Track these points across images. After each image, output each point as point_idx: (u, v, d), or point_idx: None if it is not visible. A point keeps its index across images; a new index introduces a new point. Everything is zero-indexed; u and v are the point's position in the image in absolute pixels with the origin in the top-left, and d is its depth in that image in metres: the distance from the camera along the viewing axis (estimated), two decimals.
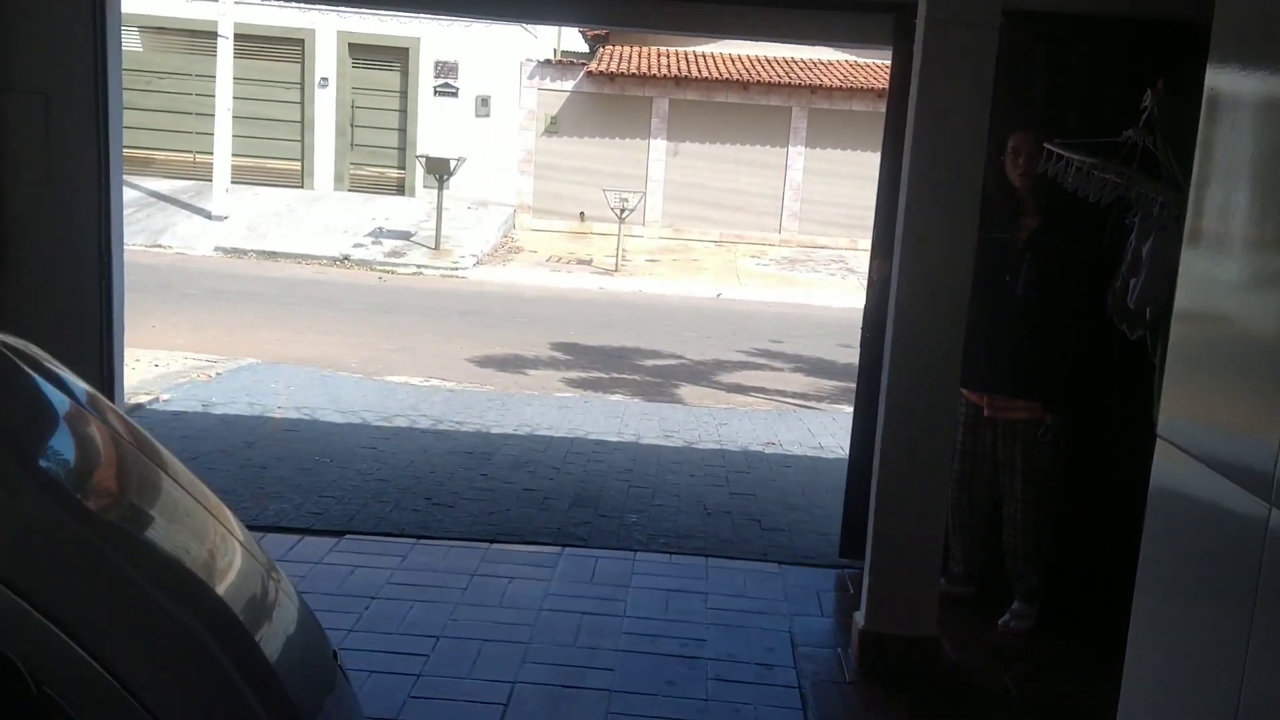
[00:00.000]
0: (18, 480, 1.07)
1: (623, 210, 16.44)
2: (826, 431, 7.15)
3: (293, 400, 6.80)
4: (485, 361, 9.45)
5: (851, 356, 11.30)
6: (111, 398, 4.12)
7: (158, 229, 15.90)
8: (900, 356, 3.42)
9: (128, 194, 17.39)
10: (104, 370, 4.14)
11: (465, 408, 7.10)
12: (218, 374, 7.38)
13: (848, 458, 4.44)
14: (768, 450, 6.42)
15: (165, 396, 6.50)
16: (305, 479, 5.03)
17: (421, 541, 4.29)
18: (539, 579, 4.00)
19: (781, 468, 6.01)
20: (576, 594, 3.89)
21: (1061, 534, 3.97)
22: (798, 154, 18.90)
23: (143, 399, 6.34)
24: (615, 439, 6.43)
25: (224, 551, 1.40)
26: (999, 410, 3.86)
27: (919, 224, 3.35)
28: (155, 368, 7.34)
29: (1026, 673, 3.55)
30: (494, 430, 6.42)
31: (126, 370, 7.12)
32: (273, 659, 1.38)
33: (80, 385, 1.31)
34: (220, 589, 1.36)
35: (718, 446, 6.43)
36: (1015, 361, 3.80)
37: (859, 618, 3.56)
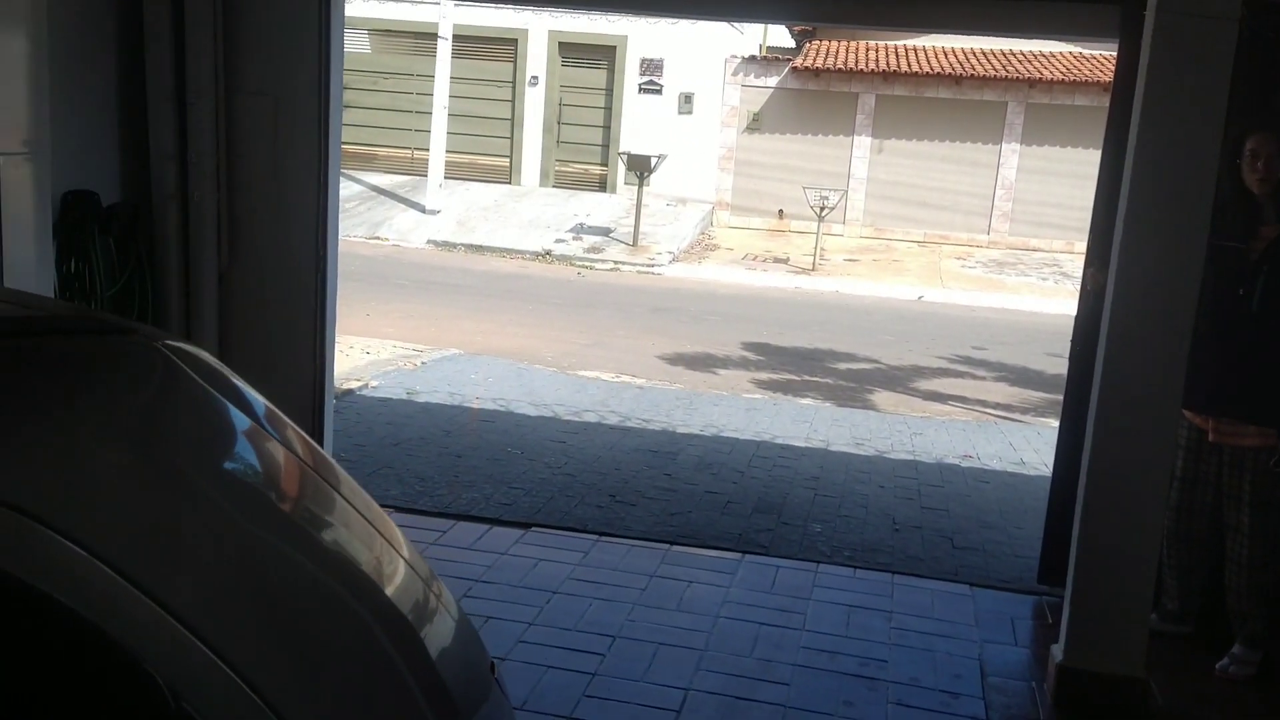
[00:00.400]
0: (194, 485, 1.11)
1: (823, 208, 16.16)
2: (1029, 446, 6.77)
3: (490, 391, 7.03)
4: (676, 359, 9.49)
5: (1061, 367, 10.67)
6: (323, 384, 4.36)
7: (377, 222, 16.83)
8: (1113, 371, 3.17)
9: (350, 188, 18.53)
10: (316, 358, 4.37)
11: (653, 405, 7.14)
12: (423, 363, 7.72)
13: (1051, 475, 4.16)
14: (964, 464, 6.14)
15: (374, 383, 6.85)
16: (497, 469, 5.18)
17: (603, 538, 4.33)
18: (718, 584, 3.96)
19: (978, 483, 5.73)
20: (755, 603, 3.82)
21: None
22: (1012, 151, 18.04)
23: (354, 385, 6.70)
24: (803, 444, 6.31)
25: (389, 562, 1.42)
26: (1226, 435, 3.53)
27: (1141, 229, 3.09)
28: (367, 355, 7.75)
29: None
30: (680, 429, 6.43)
31: (340, 357, 7.56)
32: (436, 664, 1.40)
33: (259, 400, 1.36)
34: (389, 592, 1.39)
35: (910, 457, 6.20)
36: (1246, 383, 3.46)
37: (1057, 651, 3.33)
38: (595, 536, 4.35)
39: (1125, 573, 3.24)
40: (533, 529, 4.38)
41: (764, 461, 5.80)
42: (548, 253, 15.85)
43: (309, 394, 4.37)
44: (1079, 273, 16.66)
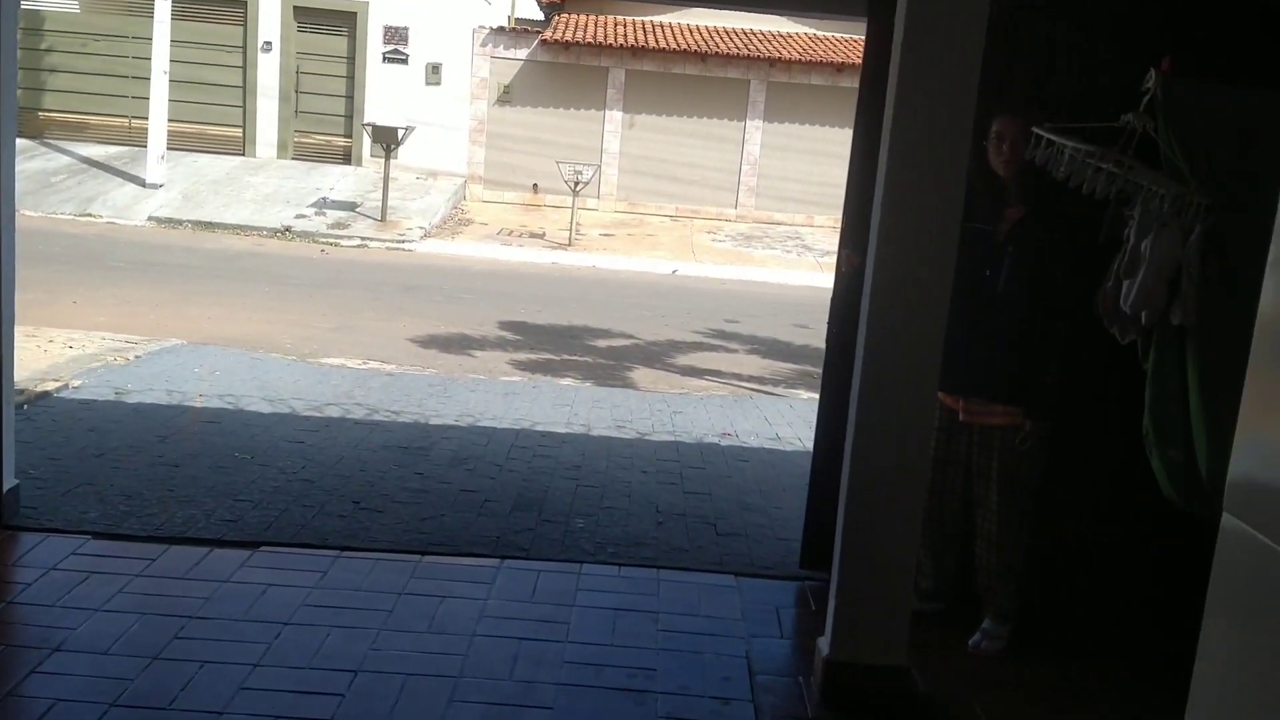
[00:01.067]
0: None
1: (577, 183, 16.00)
2: (783, 420, 6.85)
3: (216, 387, 6.35)
4: (429, 341, 9.03)
5: (808, 337, 11.09)
6: None
7: (88, 197, 15.18)
8: (874, 356, 3.09)
9: (56, 160, 16.66)
10: None
11: (404, 394, 6.69)
12: (137, 357, 6.90)
13: (811, 457, 4.11)
14: (724, 442, 6.10)
15: (75, 383, 6.02)
16: (221, 479, 4.61)
17: (345, 554, 3.91)
18: (474, 597, 3.64)
19: (738, 462, 5.69)
20: (515, 615, 3.53)
21: (1037, 549, 3.68)
22: (755, 128, 18.55)
23: (50, 386, 5.86)
24: (564, 430, 6.07)
25: None
26: (975, 415, 3.56)
27: (898, 213, 3.01)
28: (69, 350, 6.84)
29: (1000, 700, 3.26)
30: (433, 421, 6.03)
31: (34, 353, 6.64)
32: None
33: None
34: None
35: (672, 438, 6.09)
36: (994, 364, 3.49)
37: (823, 645, 3.24)
38: (335, 552, 3.92)
39: (888, 561, 3.18)
40: (261, 548, 3.90)
41: (523, 452, 5.51)
42: (287, 229, 14.84)
43: None
44: (819, 245, 17.40)
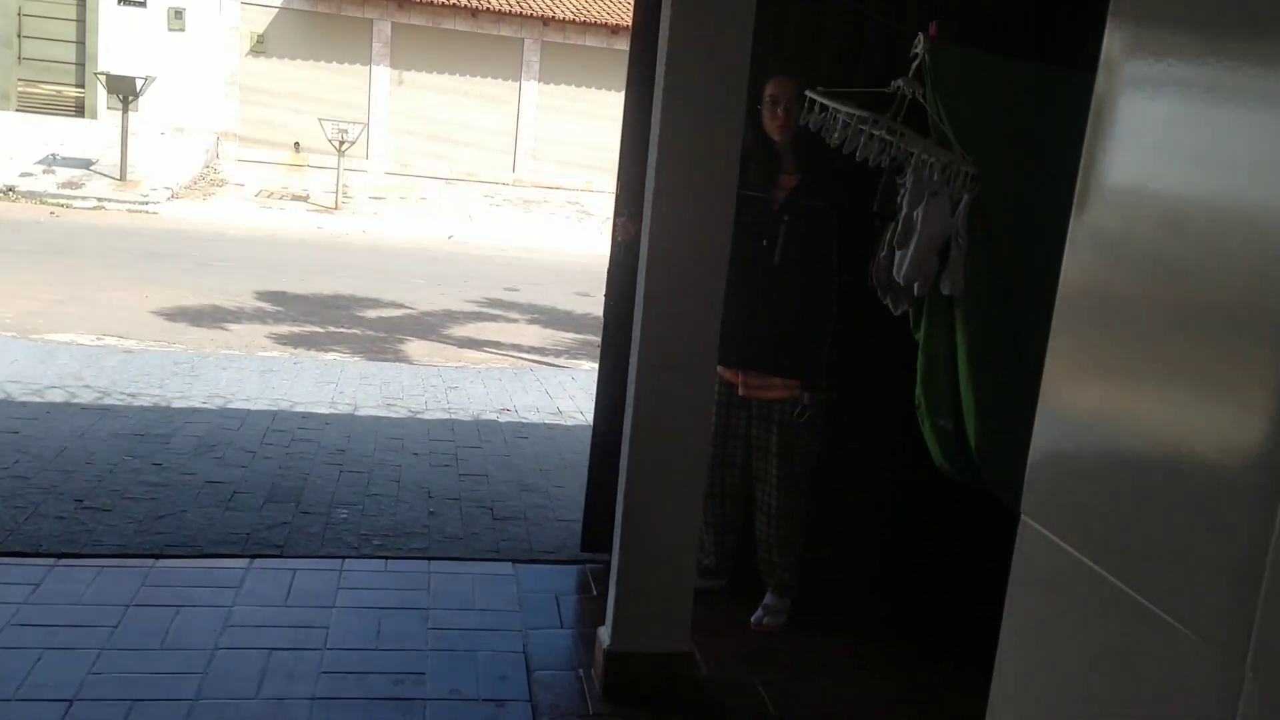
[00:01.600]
0: None
1: (342, 142, 15.17)
2: (565, 393, 6.67)
3: None
4: (176, 314, 8.26)
5: (590, 305, 10.95)
6: None
7: None
8: (651, 329, 2.93)
9: None
10: None
11: (143, 374, 6.04)
12: None
13: (591, 435, 3.93)
14: (502, 418, 5.85)
15: None
16: None
17: (63, 562, 3.41)
18: (217, 604, 3.25)
19: (517, 439, 5.46)
20: (265, 622, 3.18)
21: (815, 522, 3.67)
22: (531, 89, 18.20)
23: None
24: (327, 410, 5.64)
25: None
26: (754, 389, 3.48)
27: (671, 180, 2.84)
28: None
29: (781, 679, 3.21)
30: (176, 404, 5.46)
31: None
32: None
33: None
34: None
35: (446, 415, 5.79)
36: (771, 337, 3.41)
37: (604, 635, 3.08)
38: (51, 561, 3.41)
39: (670, 542, 3.05)
40: None
41: (280, 436, 5.06)
42: (11, 189, 13.30)
43: None
44: (600, 211, 17.39)
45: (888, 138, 3.05)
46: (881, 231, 3.22)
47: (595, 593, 3.66)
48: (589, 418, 6.06)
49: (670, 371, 2.94)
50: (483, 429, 5.60)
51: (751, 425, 3.53)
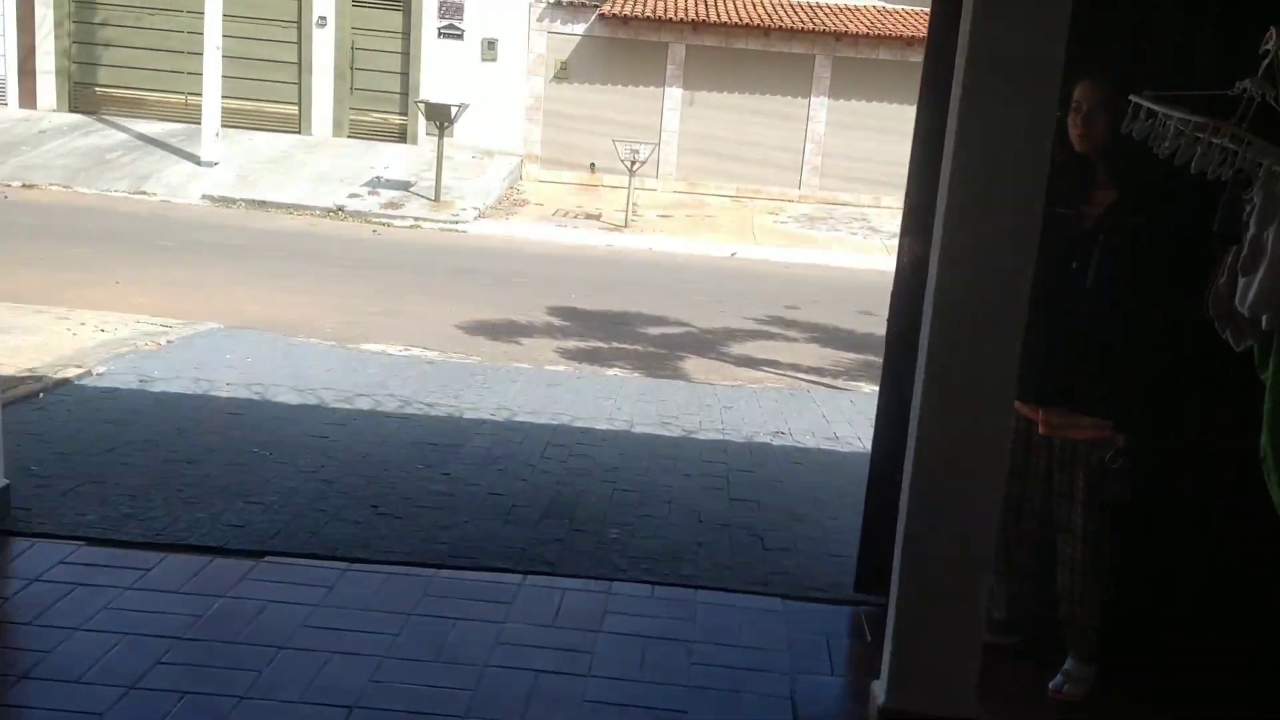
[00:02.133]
0: None
1: (634, 162, 15.60)
2: (842, 417, 6.41)
3: (246, 375, 6.10)
4: (475, 328, 8.73)
5: (872, 325, 10.58)
6: None
7: (142, 175, 15.17)
8: (940, 359, 2.68)
9: (113, 136, 16.70)
10: None
11: (441, 385, 6.38)
12: (168, 342, 6.69)
13: (869, 467, 3.68)
14: (776, 441, 5.69)
15: (100, 370, 5.80)
16: (235, 478, 4.33)
17: (355, 567, 3.59)
18: (490, 620, 3.30)
19: (791, 464, 5.29)
20: (534, 642, 3.19)
21: (1125, 580, 3.24)
22: (820, 105, 17.95)
23: (72, 373, 5.64)
24: (605, 426, 5.71)
25: None
26: (1057, 428, 3.11)
27: (969, 196, 2.58)
28: (99, 334, 6.64)
29: None
30: (467, 414, 5.71)
31: (65, 337, 6.46)
32: None
33: None
34: None
35: (720, 436, 5.70)
36: (1080, 370, 3.04)
37: (878, 690, 2.85)
38: (345, 564, 3.61)
39: (956, 591, 2.78)
40: (266, 559, 3.60)
41: (559, 451, 5.16)
42: (340, 209, 14.68)
43: None
44: (886, 227, 16.75)
45: (1231, 146, 2.63)
46: (1221, 255, 2.78)
47: (869, 639, 3.41)
48: (867, 445, 5.79)
49: (961, 404, 2.68)
50: (756, 452, 5.46)
51: (1053, 467, 3.17)
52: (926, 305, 2.73)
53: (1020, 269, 2.60)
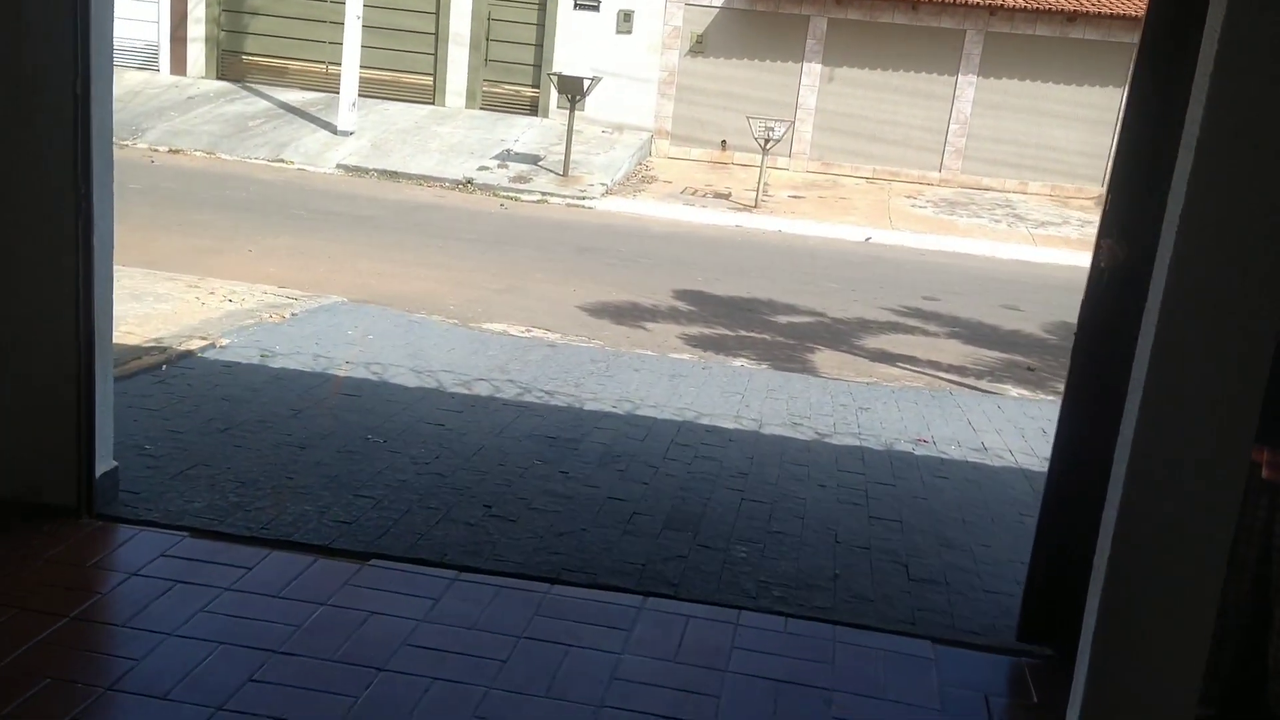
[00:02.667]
0: None
1: (767, 140, 15.08)
2: (990, 424, 5.90)
3: (366, 353, 5.95)
4: (599, 310, 8.46)
5: (1018, 321, 9.91)
6: (89, 355, 3.26)
7: (282, 143, 15.40)
8: (1160, 386, 2.24)
9: (256, 104, 17.02)
10: (82, 318, 3.27)
11: (562, 371, 6.12)
12: (293, 315, 6.60)
13: (1043, 496, 3.23)
14: (918, 450, 5.24)
15: (223, 341, 5.73)
16: (346, 467, 4.14)
17: (464, 576, 3.33)
18: (607, 649, 2.99)
19: (935, 478, 4.84)
20: (653, 679, 2.87)
21: None
22: (968, 83, 17.06)
23: (196, 344, 5.57)
24: (732, 425, 5.35)
25: None
26: None
27: (1212, 199, 2.12)
28: (227, 304, 6.60)
29: None
30: (589, 405, 5.43)
31: (194, 306, 6.42)
32: None
33: None
34: None
35: (856, 442, 5.28)
36: None
37: None
38: (454, 573, 3.35)
39: (1164, 661, 2.35)
40: (372, 561, 3.37)
41: (684, 451, 4.83)
42: (469, 181, 14.62)
43: (70, 366, 3.29)
44: (1033, 215, 15.75)
45: None
46: None
47: (1036, 699, 2.98)
48: (1020, 459, 5.30)
49: (1185, 439, 2.24)
50: (896, 462, 5.02)
51: (1275, 518, 2.68)
52: (1148, 320, 2.29)
53: (1269, 283, 2.14)
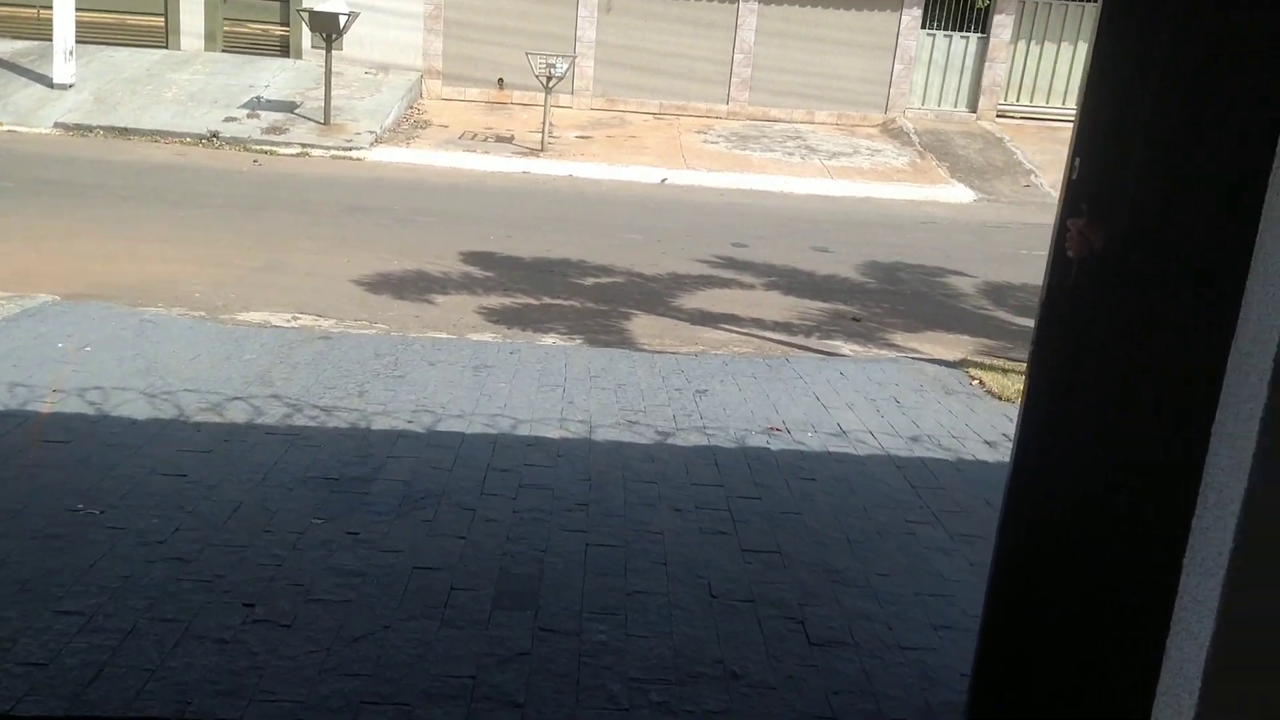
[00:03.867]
0: None
1: (549, 78, 14.01)
2: (839, 398, 5.27)
3: (82, 375, 4.66)
4: (379, 283, 7.33)
5: (832, 264, 9.43)
6: None
7: None
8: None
9: None
10: None
11: (341, 374, 5.03)
12: None
13: (997, 539, 2.51)
14: (773, 445, 4.53)
15: None
16: (42, 564, 2.98)
17: None
18: None
19: (801, 480, 4.13)
20: None
21: None
22: (750, 10, 16.52)
23: None
24: (558, 433, 4.46)
25: None
26: None
27: None
28: None
29: None
30: (377, 424, 4.39)
31: None
32: None
33: None
34: None
35: (704, 440, 4.51)
36: None
37: None
38: None
39: None
40: None
41: (505, 480, 3.90)
42: (214, 135, 12.86)
43: None
44: (824, 146, 15.25)
45: None
46: None
47: None
48: (882, 441, 4.67)
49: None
50: (753, 463, 4.28)
51: None
52: (1239, 358, 1.54)
53: None
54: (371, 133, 13.53)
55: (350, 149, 12.90)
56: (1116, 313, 2.22)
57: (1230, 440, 1.49)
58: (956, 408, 5.21)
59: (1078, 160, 2.21)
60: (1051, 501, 2.33)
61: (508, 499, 3.72)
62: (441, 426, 4.42)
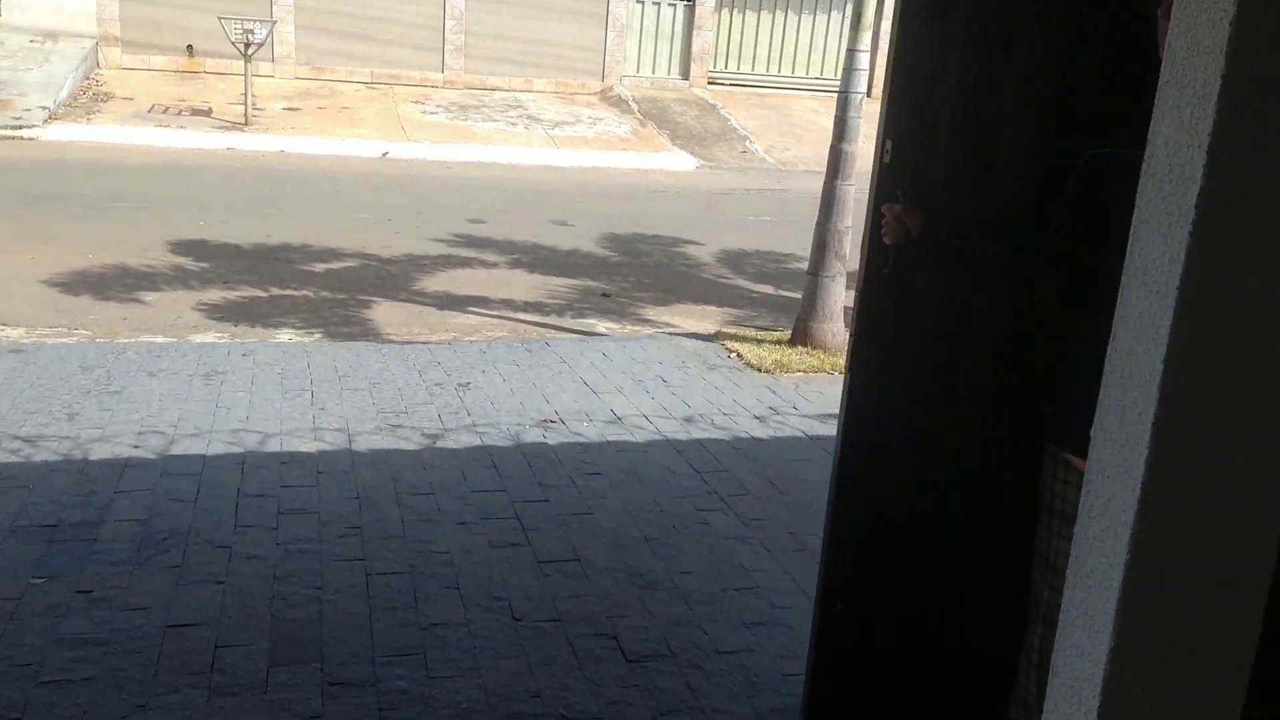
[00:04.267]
0: None
1: (248, 45, 12.91)
2: (606, 382, 5.13)
3: None
4: (75, 283, 6.44)
5: (573, 239, 9.28)
6: None
7: None
8: (1178, 390, 1.45)
9: None
10: None
11: (43, 395, 4.32)
12: None
13: (828, 522, 2.42)
14: (550, 437, 4.32)
15: None
16: None
17: None
18: None
19: (586, 476, 3.96)
20: None
21: None
22: None
23: None
24: (313, 445, 4.04)
25: None
26: None
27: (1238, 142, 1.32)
28: None
29: None
30: (96, 453, 3.79)
31: None
32: None
33: None
34: None
35: (477, 440, 4.23)
36: None
37: None
38: None
39: None
40: None
41: (260, 507, 3.46)
42: None
43: None
44: (546, 115, 15.09)
45: None
46: None
47: None
48: (658, 425, 4.58)
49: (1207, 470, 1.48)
50: (533, 461, 4.07)
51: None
52: (1125, 315, 1.47)
53: None
54: (44, 108, 11.96)
55: (20, 127, 11.34)
56: (937, 298, 2.18)
57: (1115, 445, 1.43)
58: (721, 383, 5.22)
59: (889, 143, 2.14)
60: (879, 504, 2.28)
61: (268, 529, 3.30)
62: (176, 449, 3.88)
